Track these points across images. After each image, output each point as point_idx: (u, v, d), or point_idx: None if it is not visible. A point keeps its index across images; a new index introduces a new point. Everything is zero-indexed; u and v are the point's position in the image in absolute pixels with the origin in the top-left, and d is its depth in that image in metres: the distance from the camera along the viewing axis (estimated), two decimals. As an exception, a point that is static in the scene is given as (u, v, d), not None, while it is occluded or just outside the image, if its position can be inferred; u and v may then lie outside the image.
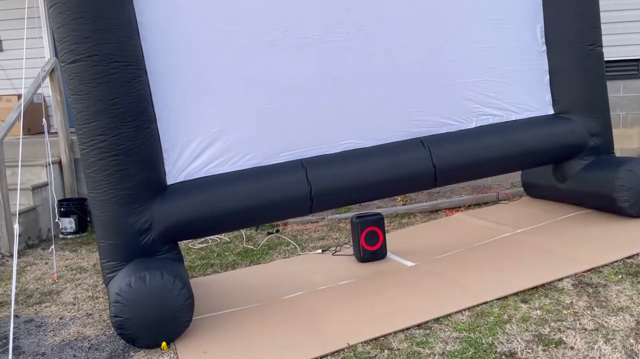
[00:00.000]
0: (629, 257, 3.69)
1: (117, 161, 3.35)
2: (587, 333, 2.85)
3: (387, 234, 4.45)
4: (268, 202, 3.80)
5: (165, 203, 3.55)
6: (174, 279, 3.19)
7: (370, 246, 4.29)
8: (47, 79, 6.30)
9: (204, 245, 5.33)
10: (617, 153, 4.95)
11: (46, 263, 5.16)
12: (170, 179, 3.71)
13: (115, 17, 3.30)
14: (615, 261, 3.65)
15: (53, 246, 5.07)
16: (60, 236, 6.09)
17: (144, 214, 3.47)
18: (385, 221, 4.62)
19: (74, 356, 3.27)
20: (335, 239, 5.10)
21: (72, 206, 6.06)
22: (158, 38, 3.57)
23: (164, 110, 3.65)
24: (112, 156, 3.35)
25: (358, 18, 4.03)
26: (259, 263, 4.67)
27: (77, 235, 6.10)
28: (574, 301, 3.21)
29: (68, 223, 6.05)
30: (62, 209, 6.05)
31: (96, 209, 3.47)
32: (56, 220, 5.96)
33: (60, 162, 6.47)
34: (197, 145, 3.78)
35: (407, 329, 3.10)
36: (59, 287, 4.49)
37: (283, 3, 3.86)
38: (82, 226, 6.14)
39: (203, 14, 3.69)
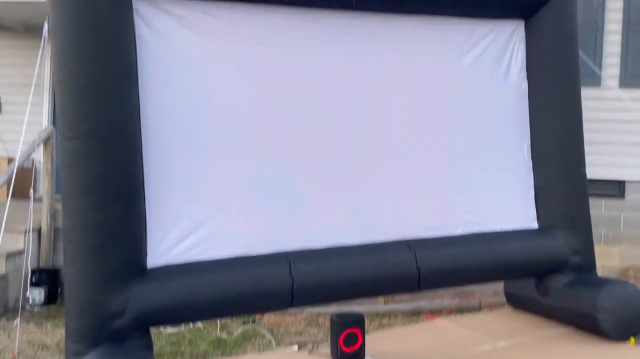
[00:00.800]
0: (611, 384, 3.61)
1: (99, 240, 3.30)
2: None
3: (366, 335, 4.32)
4: (248, 294, 3.71)
5: (142, 287, 3.45)
6: (141, 371, 3.03)
7: (348, 348, 4.14)
8: (41, 146, 6.33)
9: (176, 330, 5.14)
10: (599, 270, 4.98)
11: (9, 336, 4.91)
12: (151, 263, 3.62)
13: (119, 100, 3.38)
14: (597, 387, 3.56)
15: (18, 320, 4.85)
16: (28, 306, 5.85)
17: (119, 297, 3.35)
18: (366, 320, 4.51)
19: None
20: (313, 335, 4.95)
21: (44, 277, 5.88)
22: (158, 123, 3.64)
23: (153, 191, 3.64)
24: (95, 234, 3.29)
25: (354, 121, 4.17)
26: (232, 354, 4.49)
27: (45, 306, 5.87)
28: None
29: (37, 294, 5.84)
30: (33, 279, 5.86)
31: (70, 287, 3.36)
32: (27, 295, 5.75)
33: (39, 230, 6.35)
34: (183, 229, 3.74)
35: None
36: (16, 365, 4.25)
37: (277, 110, 3.96)
38: (52, 297, 5.93)
39: (202, 102, 3.77)
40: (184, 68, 3.73)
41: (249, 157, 3.90)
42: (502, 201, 4.62)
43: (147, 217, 3.59)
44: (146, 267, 3.58)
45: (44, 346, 4.63)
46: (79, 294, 3.33)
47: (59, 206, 3.48)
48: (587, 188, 4.75)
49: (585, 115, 4.81)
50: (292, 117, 4.01)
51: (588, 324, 4.34)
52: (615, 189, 6.55)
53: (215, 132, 3.81)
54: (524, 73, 4.71)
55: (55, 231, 6.32)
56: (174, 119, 3.70)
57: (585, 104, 4.84)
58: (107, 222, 3.30)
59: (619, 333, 4.20)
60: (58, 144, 3.40)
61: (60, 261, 5.92)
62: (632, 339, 4.26)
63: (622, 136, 6.44)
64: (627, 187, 6.50)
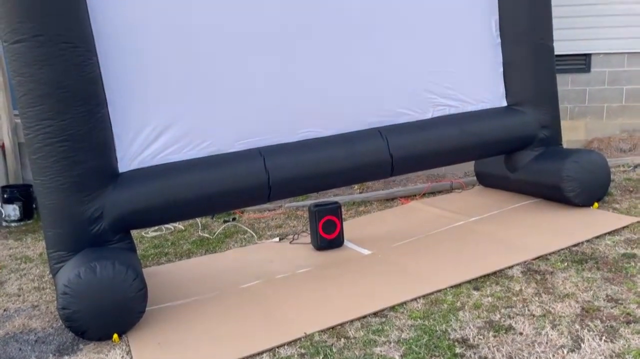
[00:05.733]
0: (574, 246, 3.85)
1: (64, 147, 3.21)
2: (535, 319, 2.95)
3: (344, 223, 4.47)
4: (225, 191, 3.74)
5: (116, 191, 3.44)
6: (127, 269, 3.10)
7: (327, 234, 4.30)
8: (-12, 58, 5.96)
9: (158, 233, 5.22)
10: (564, 144, 5.12)
11: (-12, 252, 4.92)
12: (123, 167, 3.59)
13: (64, -3, 3.13)
14: (562, 249, 3.80)
15: (-4, 235, 4.85)
16: (4, 223, 5.83)
17: (94, 203, 3.35)
18: (343, 209, 4.64)
19: (20, 349, 3.14)
20: (293, 227, 5.08)
21: (17, 193, 5.80)
22: (111, 19, 3.42)
23: (116, 94, 3.51)
24: (59, 142, 3.20)
25: (320, 9, 3.99)
26: (215, 252, 4.61)
27: (22, 223, 5.86)
28: (522, 288, 3.32)
29: (12, 210, 5.79)
30: (5, 196, 5.78)
31: (42, 197, 3.32)
32: (0, 211, 5.69)
33: (2, 147, 6.16)
34: (151, 131, 3.67)
35: (364, 317, 3.13)
36: (2, 277, 4.29)
37: (244, 5, 3.76)
38: (28, 213, 5.89)
39: (162, 9, 3.55)
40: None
41: (212, 53, 3.74)
42: (471, 81, 4.60)
43: (112, 120, 3.49)
44: (118, 171, 3.54)
45: (27, 259, 4.67)
46: (53, 203, 3.30)
47: (19, 121, 3.34)
48: (554, 62, 4.74)
49: (551, -12, 4.68)
50: (259, 9, 3.81)
51: (555, 194, 4.54)
52: (582, 62, 6.57)
53: (174, 29, 3.61)
54: (491, -55, 4.50)
55: (19, 147, 6.14)
56: (129, 18, 3.47)
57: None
58: (69, 127, 3.20)
59: (583, 199, 4.42)
60: (5, 53, 3.18)
61: (30, 177, 5.81)
62: (596, 204, 4.49)
63: (587, 7, 6.34)
64: (593, 60, 6.52)
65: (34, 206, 5.92)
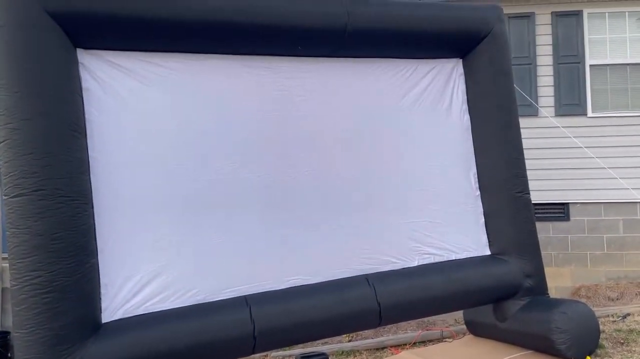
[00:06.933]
0: (570, 404, 3.69)
1: (49, 298, 3.19)
2: None
3: (331, 376, 4.30)
4: (209, 342, 3.65)
5: (97, 344, 3.34)
6: None
7: (313, 390, 4.11)
8: (-14, 203, 6.11)
9: (136, 386, 4.94)
10: (552, 291, 5.15)
11: (-48, 408, 4.60)
12: (106, 317, 3.53)
13: (66, 154, 3.33)
14: (558, 408, 3.64)
15: (-36, 388, 4.57)
16: (-26, 373, 5.52)
17: (73, 357, 3.23)
18: (330, 360, 4.49)
19: None
20: (278, 379, 4.86)
21: (-7, 340, 5.59)
22: (109, 174, 3.61)
23: (107, 243, 3.58)
24: (45, 294, 3.18)
25: (310, 160, 4.26)
26: (195, 408, 4.34)
27: (-6, 373, 5.55)
28: None
29: (-15, 359, 5.53)
30: (-19, 343, 5.56)
31: (20, 351, 3.21)
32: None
33: (-14, 291, 6.07)
34: (139, 280, 3.68)
35: None
36: None
37: (228, 157, 4.00)
38: (2, 362, 5.61)
39: (153, 152, 3.78)
40: (132, 118, 3.75)
41: (201, 205, 3.89)
42: (454, 230, 4.75)
43: (100, 269, 3.52)
44: (101, 322, 3.48)
45: (-7, 416, 4.37)
46: (30, 358, 3.19)
47: (7, 264, 3.37)
48: (533, 213, 4.93)
49: (526, 143, 5.04)
50: (243, 163, 4.05)
51: (545, 346, 4.45)
52: (561, 211, 6.85)
53: (167, 182, 3.81)
54: (465, 107, 4.94)
55: (3, 291, 6.05)
56: (126, 169, 3.68)
57: (525, 133, 5.10)
58: (57, 280, 3.21)
59: (575, 352, 4.32)
60: (3, 203, 3.30)
61: (10, 322, 5.65)
62: (588, 358, 4.38)
63: (561, 160, 6.80)
64: (571, 209, 6.81)
65: (9, 355, 5.66)
